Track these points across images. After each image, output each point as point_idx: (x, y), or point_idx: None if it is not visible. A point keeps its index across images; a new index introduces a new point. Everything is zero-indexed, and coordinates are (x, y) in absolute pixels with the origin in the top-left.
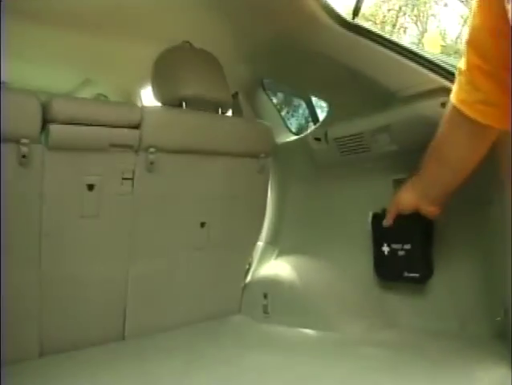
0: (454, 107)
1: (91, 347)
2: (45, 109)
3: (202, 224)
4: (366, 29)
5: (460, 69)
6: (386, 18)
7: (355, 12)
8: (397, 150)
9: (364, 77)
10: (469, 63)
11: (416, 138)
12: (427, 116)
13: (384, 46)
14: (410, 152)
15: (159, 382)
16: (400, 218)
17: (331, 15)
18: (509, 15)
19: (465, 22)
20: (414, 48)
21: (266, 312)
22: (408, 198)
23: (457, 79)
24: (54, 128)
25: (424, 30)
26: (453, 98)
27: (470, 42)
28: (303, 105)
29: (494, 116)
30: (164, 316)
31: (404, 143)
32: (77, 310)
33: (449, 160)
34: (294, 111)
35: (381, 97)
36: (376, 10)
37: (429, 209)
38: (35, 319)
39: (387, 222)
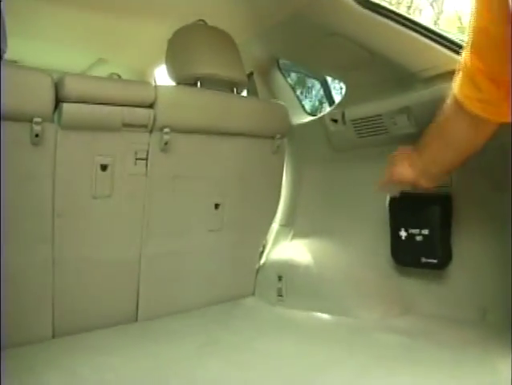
0: (456, 98)
1: (104, 329)
2: (58, 87)
3: (216, 206)
4: (385, 7)
5: (462, 64)
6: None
7: None
8: (416, 132)
9: (383, 57)
10: (470, 64)
11: None
12: None
13: (404, 25)
14: None
15: (171, 365)
16: (418, 203)
17: None
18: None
19: None
20: (435, 28)
21: (280, 295)
22: (407, 174)
23: (461, 72)
24: (67, 107)
25: (440, 11)
26: (455, 88)
27: (471, 45)
28: (317, 86)
29: (496, 113)
30: (177, 298)
31: (424, 125)
32: (90, 291)
33: (452, 141)
34: (308, 92)
35: (400, 78)
36: None
37: (427, 186)
38: (48, 300)
39: (378, 188)
